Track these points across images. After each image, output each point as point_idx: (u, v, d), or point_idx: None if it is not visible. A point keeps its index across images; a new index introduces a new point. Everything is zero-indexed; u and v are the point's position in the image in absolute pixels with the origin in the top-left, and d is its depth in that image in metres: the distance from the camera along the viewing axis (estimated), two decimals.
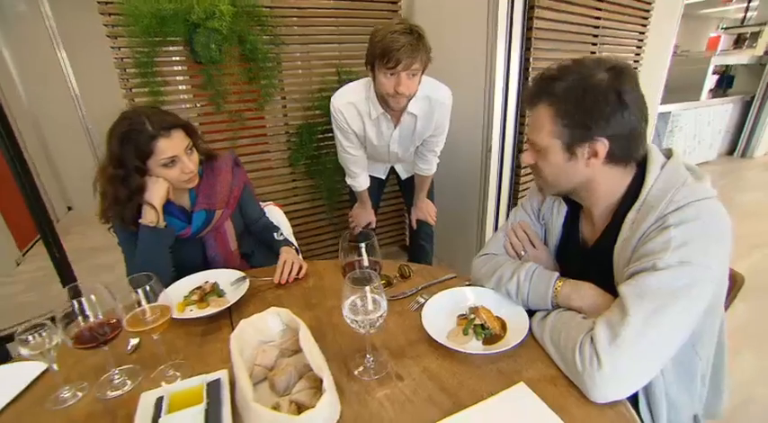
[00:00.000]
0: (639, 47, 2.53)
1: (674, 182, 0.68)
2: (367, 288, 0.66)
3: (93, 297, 0.67)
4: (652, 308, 0.61)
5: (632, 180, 0.75)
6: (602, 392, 0.62)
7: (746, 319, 1.89)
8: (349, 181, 1.72)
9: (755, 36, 4.37)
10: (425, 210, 1.85)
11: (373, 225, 1.90)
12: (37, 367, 0.75)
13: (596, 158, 0.71)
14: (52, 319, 0.66)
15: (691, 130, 4.02)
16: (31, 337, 0.63)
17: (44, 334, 0.65)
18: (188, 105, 1.85)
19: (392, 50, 1.19)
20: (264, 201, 2.03)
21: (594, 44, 2.18)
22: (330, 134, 2.14)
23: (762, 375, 1.58)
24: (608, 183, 0.75)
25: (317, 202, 2.30)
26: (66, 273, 2.02)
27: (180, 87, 1.82)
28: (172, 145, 0.94)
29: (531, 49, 1.83)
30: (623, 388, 0.62)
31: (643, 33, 2.50)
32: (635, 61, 2.57)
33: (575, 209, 0.87)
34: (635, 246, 0.69)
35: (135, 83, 1.70)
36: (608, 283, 0.75)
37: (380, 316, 0.67)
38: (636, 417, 0.63)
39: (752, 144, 4.62)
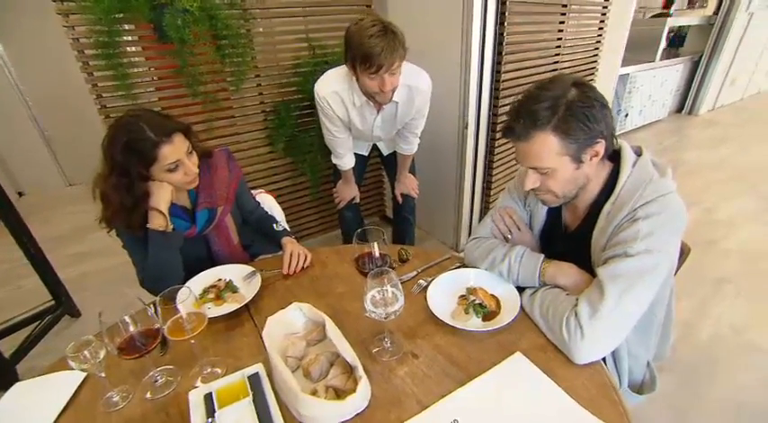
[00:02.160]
0: (604, 14, 2.61)
1: (643, 179, 0.80)
2: (387, 285, 0.75)
3: (132, 311, 0.72)
4: (623, 288, 0.74)
5: (608, 176, 0.86)
6: (583, 356, 0.76)
7: (686, 267, 2.17)
8: (335, 160, 1.77)
9: None
10: (408, 184, 1.94)
11: (357, 200, 1.98)
12: (77, 375, 0.80)
13: (597, 157, 0.82)
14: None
15: (646, 91, 4.25)
16: (81, 355, 0.68)
17: (91, 349, 0.69)
18: (155, 89, 1.76)
19: (372, 56, 1.22)
20: (251, 185, 2.03)
21: (564, 14, 2.23)
22: (308, 111, 2.13)
23: (693, 317, 1.88)
24: (596, 178, 0.87)
25: (298, 180, 2.32)
26: (41, 265, 1.96)
27: (144, 69, 1.71)
28: (174, 150, 0.94)
29: (506, 24, 1.86)
30: (600, 352, 0.77)
31: (608, 0, 2.57)
32: (600, 28, 2.65)
33: None
34: (610, 234, 0.81)
35: (98, 66, 1.59)
36: (585, 263, 0.89)
37: (399, 308, 0.77)
38: (607, 371, 0.78)
39: (698, 102, 4.97)
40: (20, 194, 3.67)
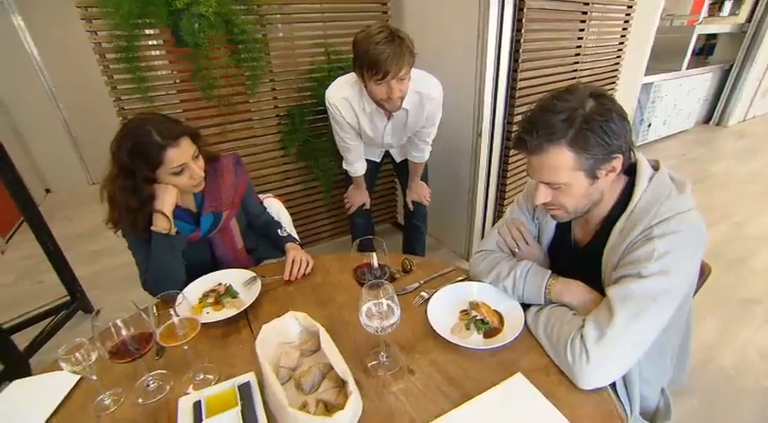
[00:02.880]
0: (627, 21, 2.53)
1: (660, 195, 0.75)
2: (383, 299, 0.73)
3: (125, 315, 0.72)
4: (635, 311, 0.70)
5: (623, 190, 0.81)
6: (589, 381, 0.72)
7: (711, 286, 2.06)
8: (345, 166, 1.76)
9: (738, 3, 4.39)
10: (420, 192, 1.91)
11: (368, 206, 1.96)
12: (72, 377, 0.80)
13: (613, 173, 0.77)
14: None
15: (671, 100, 4.10)
16: (73, 357, 0.68)
17: (83, 351, 0.69)
18: (176, 91, 1.80)
19: (379, 63, 1.21)
20: (259, 188, 2.04)
21: (584, 21, 2.18)
22: (322, 116, 2.14)
23: (721, 339, 1.77)
24: (610, 194, 0.82)
25: (310, 185, 2.32)
26: (59, 262, 2.02)
27: (161, 73, 1.75)
28: (180, 153, 0.95)
29: (522, 31, 1.82)
30: (607, 377, 0.72)
31: (631, 7, 2.49)
32: (622, 35, 2.58)
33: None
34: (622, 252, 0.77)
35: (117, 69, 1.64)
36: (594, 281, 0.84)
37: (394, 323, 0.74)
38: (614, 398, 0.74)
39: (727, 112, 4.77)
40: (47, 191, 3.84)
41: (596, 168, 0.75)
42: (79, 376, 0.80)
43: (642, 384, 0.88)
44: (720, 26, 4.47)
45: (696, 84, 4.32)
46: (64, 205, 3.50)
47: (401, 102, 1.39)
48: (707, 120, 4.99)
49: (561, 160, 0.75)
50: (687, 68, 4.07)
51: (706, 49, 4.91)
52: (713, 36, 4.76)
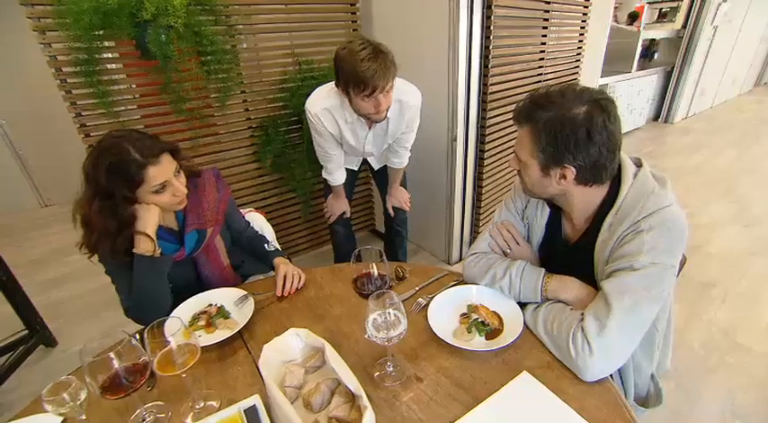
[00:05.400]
0: (583, 27, 2.69)
1: (644, 191, 0.80)
2: (389, 308, 0.72)
3: (112, 342, 0.66)
4: (631, 302, 0.73)
5: (609, 188, 0.85)
6: (593, 373, 0.74)
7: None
8: (326, 175, 1.75)
9: (674, 11, 4.79)
10: (400, 197, 1.92)
11: (348, 214, 1.95)
12: (51, 420, 0.73)
13: (565, 180, 0.82)
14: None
15: (625, 100, 4.40)
16: (59, 398, 0.62)
17: (71, 390, 0.63)
18: (138, 106, 1.71)
19: (366, 79, 1.22)
20: (239, 203, 1.97)
21: (545, 28, 2.29)
22: (296, 126, 2.11)
23: (687, 323, 1.90)
24: (582, 197, 0.86)
25: (287, 196, 2.28)
26: (14, 292, 1.85)
27: (122, 86, 1.65)
28: (162, 171, 0.90)
29: (491, 38, 1.89)
30: (609, 368, 0.75)
31: (586, 14, 2.65)
32: (579, 40, 2.73)
33: (557, 210, 0.97)
34: (613, 246, 0.80)
35: (77, 83, 1.54)
36: (587, 276, 0.88)
37: (402, 332, 0.74)
38: (616, 388, 0.76)
39: (672, 111, 5.18)
40: None
41: (548, 166, 0.81)
42: (62, 418, 0.73)
43: (635, 373, 0.92)
44: (660, 32, 4.86)
45: (644, 85, 4.65)
46: (11, 231, 3.22)
47: (386, 112, 1.40)
48: (656, 117, 5.38)
49: (523, 140, 0.83)
50: (636, 70, 4.37)
51: (649, 52, 5.30)
52: (653, 40, 5.16)
